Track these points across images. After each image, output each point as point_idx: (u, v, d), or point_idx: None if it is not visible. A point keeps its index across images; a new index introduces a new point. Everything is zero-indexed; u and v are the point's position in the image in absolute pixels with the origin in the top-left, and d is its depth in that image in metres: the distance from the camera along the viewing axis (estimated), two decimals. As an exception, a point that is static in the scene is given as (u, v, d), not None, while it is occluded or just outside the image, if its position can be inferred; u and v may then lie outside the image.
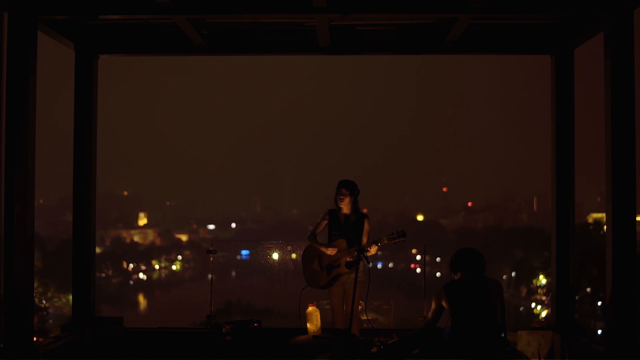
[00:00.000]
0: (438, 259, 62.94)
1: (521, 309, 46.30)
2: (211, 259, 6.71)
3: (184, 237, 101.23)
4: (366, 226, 6.00)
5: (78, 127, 6.15)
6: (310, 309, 5.65)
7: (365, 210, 6.22)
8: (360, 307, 5.86)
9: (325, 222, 6.07)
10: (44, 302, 39.15)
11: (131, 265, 74.70)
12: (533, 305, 45.94)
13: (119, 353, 5.99)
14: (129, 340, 6.09)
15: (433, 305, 4.81)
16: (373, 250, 5.71)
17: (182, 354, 6.05)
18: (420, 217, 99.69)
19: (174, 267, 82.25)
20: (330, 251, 5.88)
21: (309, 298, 5.86)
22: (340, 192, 5.96)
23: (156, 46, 6.31)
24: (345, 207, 5.96)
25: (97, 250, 8.04)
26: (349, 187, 5.96)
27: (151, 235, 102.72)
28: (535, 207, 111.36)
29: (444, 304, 4.69)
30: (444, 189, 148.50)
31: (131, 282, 72.24)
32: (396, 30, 6.18)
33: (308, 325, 5.62)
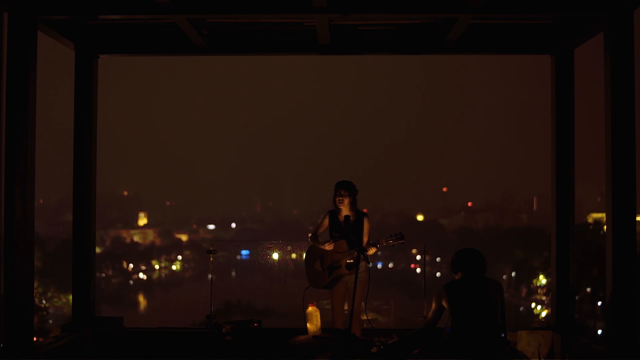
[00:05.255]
0: (438, 259, 62.93)
1: (521, 309, 46.32)
2: (211, 259, 6.72)
3: (184, 237, 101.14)
4: (366, 225, 6.01)
5: (78, 127, 6.15)
6: (310, 309, 5.66)
7: (365, 210, 6.22)
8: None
9: (325, 223, 6.08)
10: (44, 302, 39.18)
11: (131, 265, 74.63)
12: (533, 305, 45.95)
13: (119, 353, 5.99)
14: (129, 340, 6.09)
15: (433, 305, 4.81)
16: (371, 252, 5.75)
17: (182, 354, 6.05)
18: (420, 217, 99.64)
19: (174, 267, 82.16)
20: (328, 246, 5.89)
21: (310, 298, 5.86)
22: (339, 193, 5.96)
23: (156, 46, 6.31)
24: (345, 208, 5.97)
25: (97, 250, 8.04)
26: (347, 188, 5.96)
27: (151, 235, 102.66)
28: (535, 207, 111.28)
29: (444, 304, 4.70)
30: (444, 189, 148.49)
31: (131, 282, 72.17)
32: (396, 30, 6.18)
33: (308, 325, 5.62)
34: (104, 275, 65.78)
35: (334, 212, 6.06)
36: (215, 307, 6.62)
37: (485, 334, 4.53)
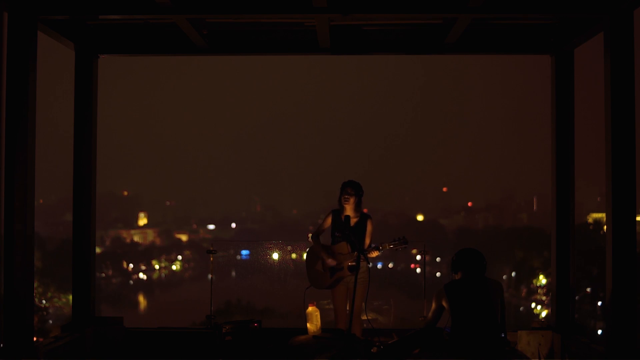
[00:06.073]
0: (438, 259, 62.91)
1: (521, 309, 46.33)
2: (211, 259, 6.72)
3: (184, 237, 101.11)
4: (369, 227, 6.02)
5: (78, 127, 6.15)
6: (310, 309, 5.65)
7: (365, 211, 6.23)
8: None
9: (328, 222, 6.09)
10: (44, 302, 39.21)
11: (131, 265, 74.63)
12: (533, 305, 45.97)
13: (119, 353, 5.99)
14: (129, 340, 6.09)
15: (433, 305, 4.81)
16: (374, 255, 5.79)
17: (182, 354, 6.05)
18: (420, 217, 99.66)
19: (174, 267, 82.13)
20: (331, 262, 5.91)
21: (310, 298, 5.87)
22: (345, 192, 5.98)
23: (156, 46, 6.31)
24: (349, 207, 5.97)
25: (97, 250, 8.04)
26: (354, 187, 5.98)
27: (151, 235, 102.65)
28: (535, 207, 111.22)
29: (444, 303, 4.70)
30: (444, 189, 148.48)
31: (131, 282, 72.15)
32: (396, 30, 6.18)
33: (308, 325, 5.62)
34: (104, 275, 65.74)
35: (337, 212, 6.07)
36: (215, 307, 6.62)
37: (485, 334, 4.53)
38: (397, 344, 4.76)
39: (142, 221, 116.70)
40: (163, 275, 79.36)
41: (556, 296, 6.03)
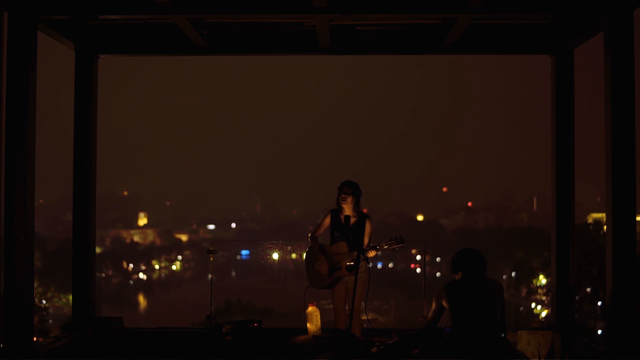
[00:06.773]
0: (438, 259, 62.92)
1: (521, 309, 46.30)
2: (211, 259, 6.72)
3: (184, 237, 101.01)
4: (368, 227, 6.02)
5: (78, 127, 6.16)
6: (310, 309, 5.66)
7: (365, 211, 6.24)
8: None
9: (326, 222, 6.09)
10: (44, 302, 39.19)
11: (131, 265, 74.58)
12: (533, 305, 45.94)
13: (119, 353, 5.99)
14: (129, 340, 6.09)
15: (433, 305, 4.81)
16: (371, 255, 5.78)
17: (182, 354, 6.05)
18: (420, 217, 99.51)
19: (174, 267, 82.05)
20: (324, 270, 5.91)
21: (310, 298, 5.87)
22: (343, 191, 5.99)
23: (156, 46, 6.32)
24: (347, 207, 5.98)
25: (97, 250, 8.04)
26: (351, 187, 5.99)
27: (151, 235, 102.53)
28: (535, 207, 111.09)
29: (444, 303, 4.70)
30: (444, 189, 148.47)
31: (131, 282, 72.10)
32: (396, 30, 6.18)
33: (308, 325, 5.62)
34: (104, 275, 65.69)
35: (336, 212, 6.07)
36: (215, 307, 6.62)
37: (485, 334, 4.53)
38: (397, 344, 4.76)
39: (142, 221, 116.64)
40: (163, 275, 79.28)
41: (556, 296, 6.03)
